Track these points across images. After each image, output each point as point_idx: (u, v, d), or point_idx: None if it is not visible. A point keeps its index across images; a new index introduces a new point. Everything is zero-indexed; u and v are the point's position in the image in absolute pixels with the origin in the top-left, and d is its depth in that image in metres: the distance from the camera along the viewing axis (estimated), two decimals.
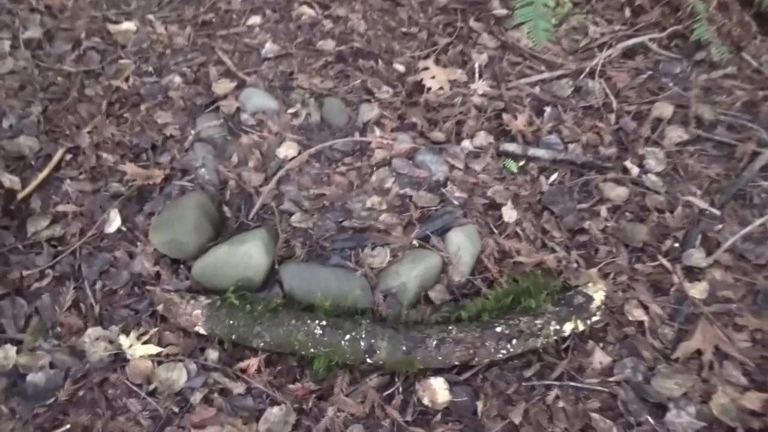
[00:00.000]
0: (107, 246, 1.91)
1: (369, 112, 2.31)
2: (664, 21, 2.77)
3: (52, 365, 1.66)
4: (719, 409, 1.64)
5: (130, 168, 2.04)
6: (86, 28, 2.53)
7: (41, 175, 2.04)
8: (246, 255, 1.75)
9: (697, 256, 1.99)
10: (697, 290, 1.92)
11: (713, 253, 2.00)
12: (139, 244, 1.89)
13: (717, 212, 2.11)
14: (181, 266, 1.84)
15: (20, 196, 1.99)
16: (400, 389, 1.67)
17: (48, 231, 1.92)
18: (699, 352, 1.76)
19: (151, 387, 1.63)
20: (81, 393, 1.62)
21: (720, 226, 2.07)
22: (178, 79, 2.36)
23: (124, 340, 1.67)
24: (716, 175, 2.23)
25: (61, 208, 1.98)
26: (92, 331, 1.70)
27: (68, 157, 2.12)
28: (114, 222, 1.94)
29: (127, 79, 2.33)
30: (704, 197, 2.17)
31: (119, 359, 1.68)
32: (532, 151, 2.24)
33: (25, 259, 1.88)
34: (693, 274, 1.97)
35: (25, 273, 1.84)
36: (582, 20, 2.78)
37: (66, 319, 1.74)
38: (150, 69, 2.39)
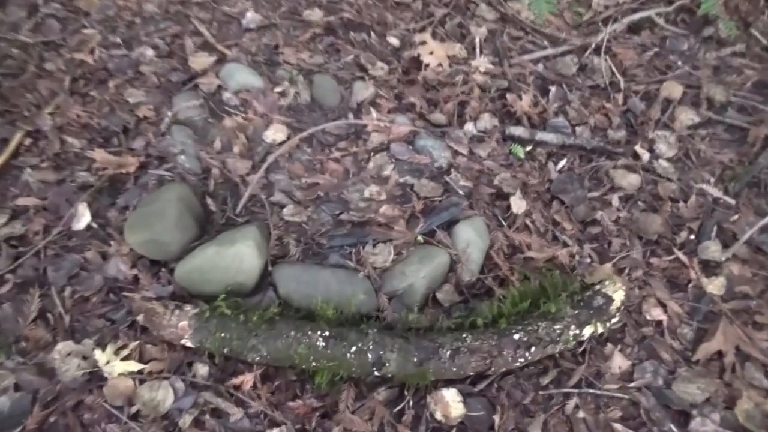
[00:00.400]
0: (76, 246, 1.69)
1: (363, 90, 2.12)
2: None
3: (17, 387, 1.45)
4: (744, 415, 1.58)
5: (99, 155, 1.82)
6: None
7: None
8: (237, 257, 1.56)
9: (713, 249, 1.90)
10: (715, 286, 1.84)
11: (730, 245, 1.92)
12: (112, 243, 1.68)
13: (732, 201, 2.02)
14: (163, 269, 1.64)
15: None
16: (411, 403, 1.53)
17: (7, 229, 1.69)
18: (720, 354, 1.68)
19: (133, 409, 1.44)
20: (52, 419, 1.42)
21: (736, 217, 1.99)
22: (150, 52, 2.12)
23: (100, 356, 1.47)
24: (729, 161, 2.14)
25: (21, 201, 1.75)
26: (63, 346, 1.49)
27: (27, 141, 1.87)
28: (83, 217, 1.72)
29: (92, 52, 2.08)
30: (718, 185, 2.07)
31: (95, 378, 1.48)
32: (540, 135, 2.09)
33: None
34: (710, 268, 1.88)
35: None
36: None
37: (32, 332, 1.53)
38: (118, 40, 2.14)
